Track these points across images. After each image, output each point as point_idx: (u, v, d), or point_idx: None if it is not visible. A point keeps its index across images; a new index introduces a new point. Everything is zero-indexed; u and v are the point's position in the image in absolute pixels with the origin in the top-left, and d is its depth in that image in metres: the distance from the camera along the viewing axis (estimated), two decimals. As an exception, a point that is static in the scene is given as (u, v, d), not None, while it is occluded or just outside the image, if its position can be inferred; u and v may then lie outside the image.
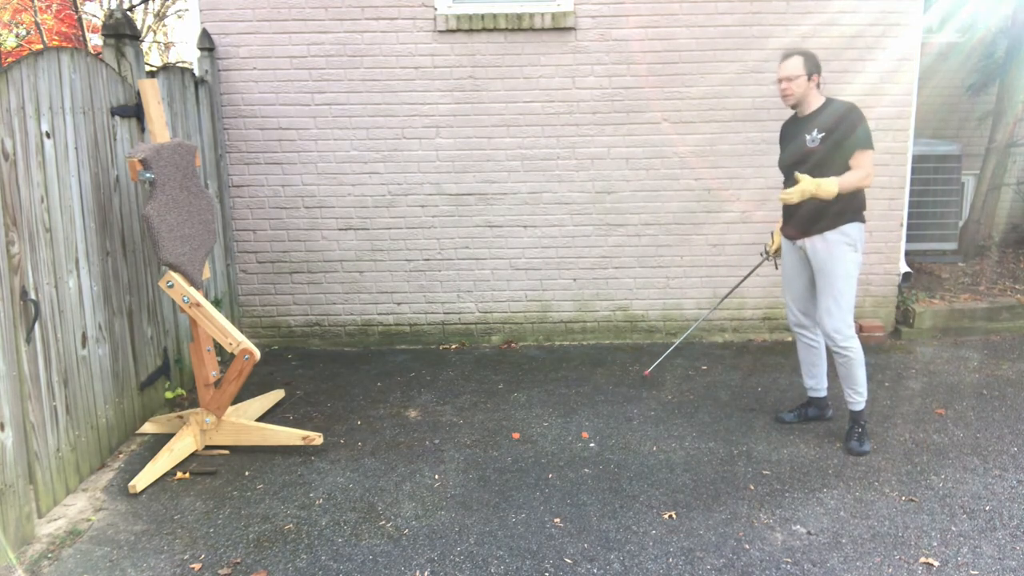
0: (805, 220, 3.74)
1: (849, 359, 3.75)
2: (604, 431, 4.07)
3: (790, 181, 3.78)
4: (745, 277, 4.76)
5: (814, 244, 3.73)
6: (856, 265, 3.71)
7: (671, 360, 5.13)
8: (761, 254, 4.25)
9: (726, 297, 4.97)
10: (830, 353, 3.87)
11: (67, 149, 3.49)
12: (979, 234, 6.65)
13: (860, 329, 5.40)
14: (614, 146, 5.28)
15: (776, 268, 4.36)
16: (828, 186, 3.55)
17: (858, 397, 3.83)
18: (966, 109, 7.09)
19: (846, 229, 3.67)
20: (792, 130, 3.85)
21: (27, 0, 12.26)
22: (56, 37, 13.07)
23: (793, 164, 3.76)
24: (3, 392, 2.94)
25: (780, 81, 3.72)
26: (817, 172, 3.63)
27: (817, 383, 4.08)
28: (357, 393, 4.65)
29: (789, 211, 3.84)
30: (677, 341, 5.04)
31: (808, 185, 3.56)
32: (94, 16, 13.75)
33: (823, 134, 3.66)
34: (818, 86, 3.73)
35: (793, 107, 3.77)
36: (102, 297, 3.76)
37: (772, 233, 4.54)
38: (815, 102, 3.75)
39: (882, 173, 5.32)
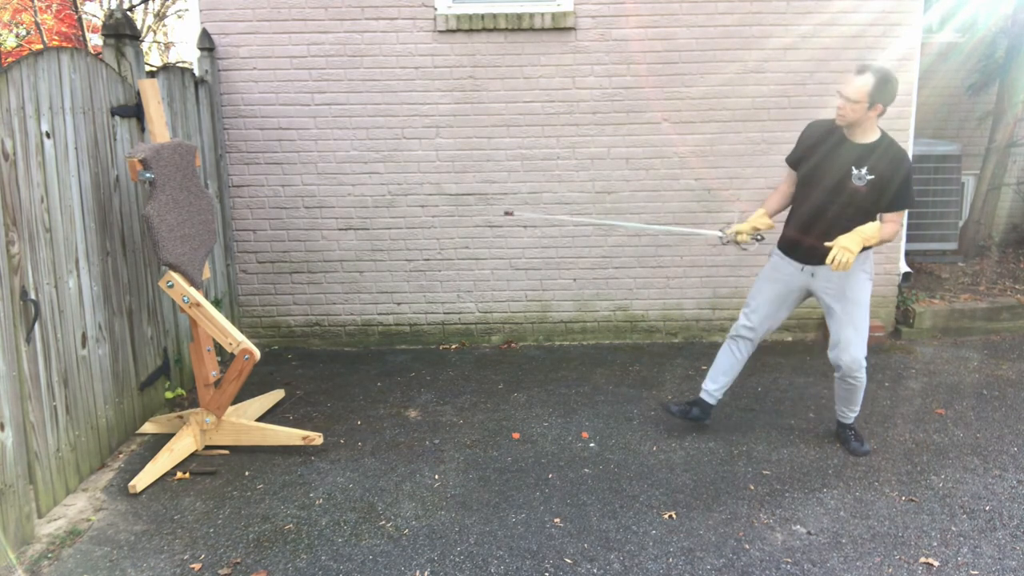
0: (822, 247, 3.49)
1: (856, 386, 3.69)
2: (604, 431, 4.08)
3: (812, 197, 3.54)
4: (685, 231, 4.36)
5: (835, 272, 3.53)
6: (870, 294, 3.62)
7: (671, 360, 5.13)
8: (722, 235, 3.83)
9: (657, 229, 4.43)
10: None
11: (67, 149, 3.49)
12: (979, 234, 6.65)
13: (860, 329, 5.39)
14: (614, 146, 5.28)
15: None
16: (876, 237, 3.37)
17: (852, 414, 3.82)
18: (966, 109, 7.09)
19: (864, 257, 3.55)
20: (831, 147, 3.52)
21: (27, 0, 12.26)
22: (56, 37, 13.07)
23: (825, 188, 3.50)
24: (3, 392, 2.94)
25: (840, 96, 3.40)
26: (850, 210, 3.45)
27: (718, 390, 3.95)
28: (357, 393, 4.65)
29: (802, 234, 3.60)
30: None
31: (872, 233, 3.33)
32: (94, 16, 13.75)
33: (872, 177, 3.40)
34: (880, 115, 3.41)
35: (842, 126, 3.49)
36: (102, 297, 3.76)
37: (733, 225, 4.20)
38: (871, 134, 3.46)
39: (882, 173, 5.32)
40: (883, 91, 3.33)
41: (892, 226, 3.46)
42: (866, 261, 3.58)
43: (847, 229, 3.44)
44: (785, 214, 3.83)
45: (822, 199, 3.53)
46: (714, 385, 3.96)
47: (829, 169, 3.51)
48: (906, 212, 3.47)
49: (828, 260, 3.36)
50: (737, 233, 3.77)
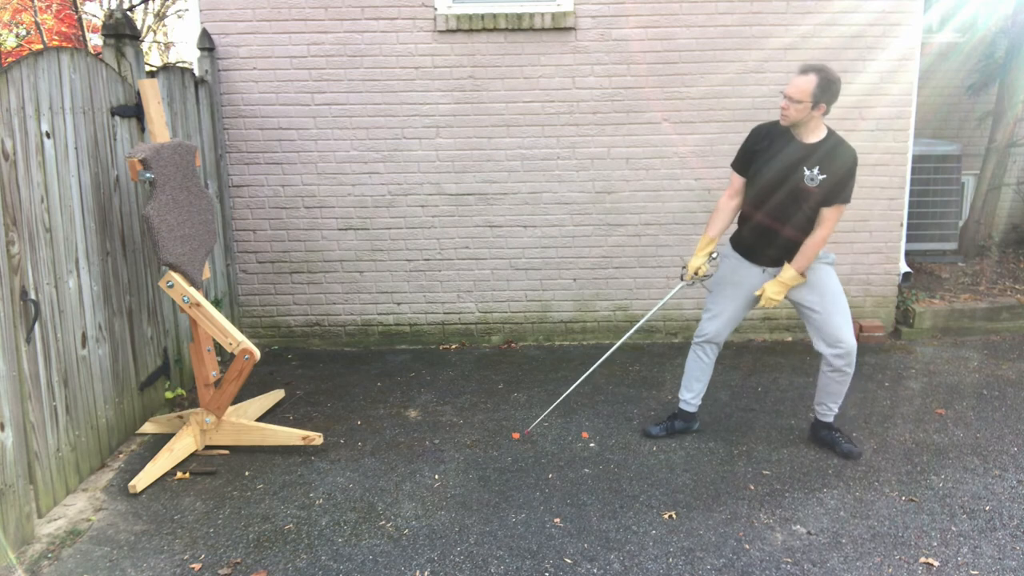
0: (784, 250, 3.57)
1: (849, 375, 3.66)
2: (604, 431, 4.07)
3: (766, 200, 3.53)
4: (662, 303, 4.28)
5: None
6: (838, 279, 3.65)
7: (671, 360, 5.13)
8: (686, 282, 3.86)
9: (640, 324, 4.44)
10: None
11: (67, 149, 3.49)
12: (979, 234, 6.65)
13: (860, 329, 5.40)
14: (614, 146, 5.28)
15: (709, 291, 3.87)
16: (799, 279, 3.51)
17: (834, 408, 3.80)
18: (966, 109, 7.10)
19: (825, 251, 3.61)
20: (781, 149, 3.50)
21: (27, 0, 12.27)
22: (56, 37, 13.08)
23: (778, 191, 3.48)
24: (3, 392, 2.94)
25: (784, 96, 3.40)
26: (804, 210, 3.46)
27: (694, 397, 3.94)
28: (357, 393, 4.65)
29: (758, 237, 3.62)
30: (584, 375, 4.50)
31: (795, 281, 3.50)
32: (94, 16, 13.76)
33: (824, 176, 3.41)
34: (824, 114, 3.42)
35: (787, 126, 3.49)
36: (102, 297, 3.76)
37: (683, 258, 4.28)
38: (817, 133, 3.46)
39: (882, 173, 5.32)
40: (826, 90, 3.33)
41: (827, 228, 3.47)
42: (828, 252, 3.64)
43: (801, 228, 3.51)
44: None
45: (776, 201, 3.52)
46: (690, 393, 3.95)
47: (781, 171, 3.49)
48: (843, 210, 3.51)
49: (760, 304, 3.62)
50: (696, 270, 3.80)
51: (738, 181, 3.70)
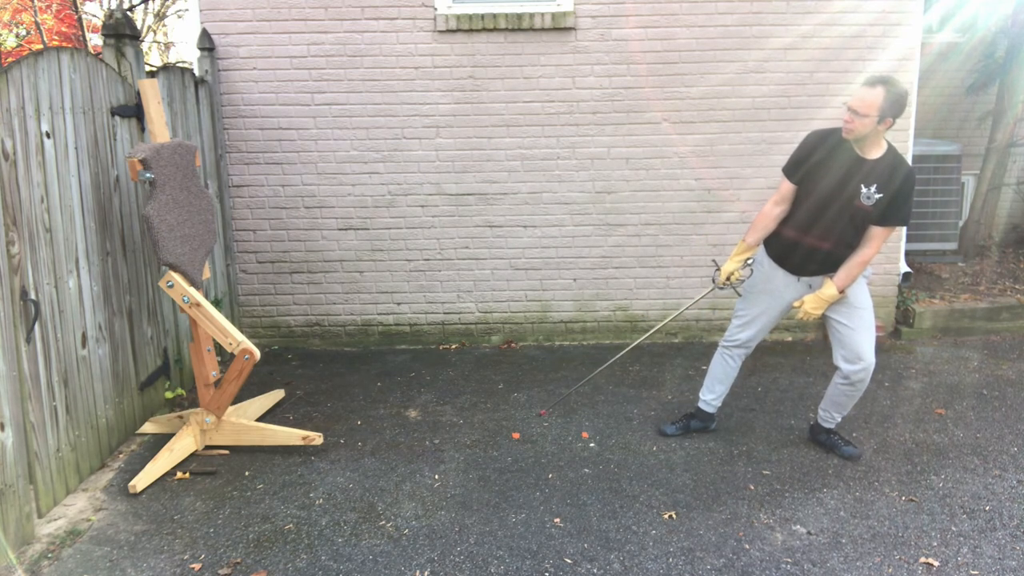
0: (824, 263, 3.52)
1: (860, 392, 3.63)
2: (604, 431, 4.08)
3: (815, 213, 3.43)
4: (693, 303, 4.36)
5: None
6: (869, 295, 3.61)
7: (671, 360, 5.13)
8: (718, 286, 3.82)
9: (670, 320, 4.56)
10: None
11: (67, 149, 3.49)
12: (979, 234, 6.65)
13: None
14: (614, 146, 5.28)
15: (739, 295, 3.84)
16: (837, 296, 3.46)
17: (838, 418, 3.78)
18: (966, 109, 7.10)
19: None
20: (841, 163, 3.39)
21: (27, 0, 12.27)
22: (56, 37, 13.08)
23: (832, 205, 3.39)
24: (3, 392, 2.94)
25: (848, 109, 3.25)
26: (853, 225, 3.39)
27: (715, 399, 3.94)
28: (357, 393, 4.65)
29: (804, 255, 3.54)
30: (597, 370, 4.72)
31: (835, 298, 3.44)
32: (94, 16, 13.76)
33: (881, 195, 3.31)
34: (888, 128, 3.29)
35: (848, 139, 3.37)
36: (102, 297, 3.76)
37: (716, 262, 4.30)
38: (878, 148, 3.35)
39: (882, 173, 5.32)
40: (894, 104, 3.21)
41: (874, 247, 3.41)
42: (865, 270, 3.58)
43: (847, 244, 3.45)
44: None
45: (826, 216, 3.43)
46: (711, 395, 3.95)
47: (839, 186, 3.39)
48: (896, 229, 3.41)
49: (798, 316, 3.58)
50: (729, 276, 3.73)
51: (788, 189, 3.54)
